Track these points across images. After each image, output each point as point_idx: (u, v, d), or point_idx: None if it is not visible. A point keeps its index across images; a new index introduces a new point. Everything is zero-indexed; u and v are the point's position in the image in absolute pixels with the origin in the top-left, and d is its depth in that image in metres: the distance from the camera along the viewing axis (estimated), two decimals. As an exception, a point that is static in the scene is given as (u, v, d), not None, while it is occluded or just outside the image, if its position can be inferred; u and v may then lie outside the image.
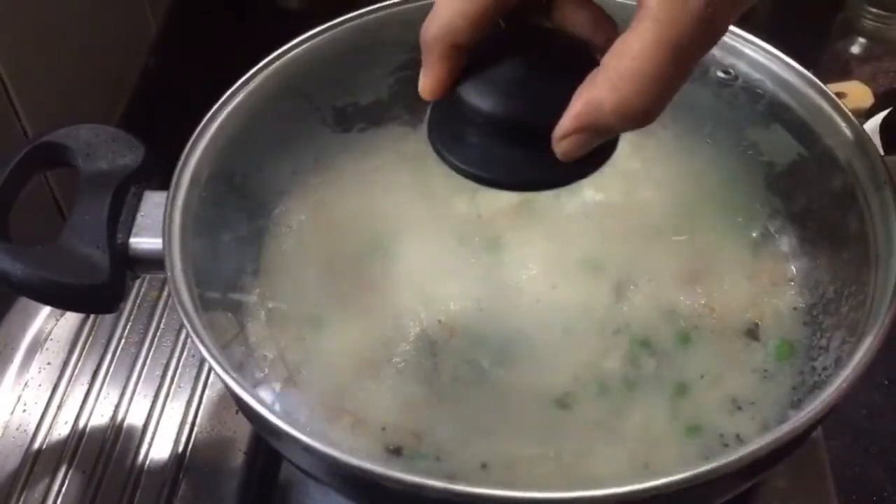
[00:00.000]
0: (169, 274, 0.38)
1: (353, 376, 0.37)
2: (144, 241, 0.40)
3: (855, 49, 0.77)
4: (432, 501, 0.34)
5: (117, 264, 0.39)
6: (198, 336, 0.36)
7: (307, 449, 0.33)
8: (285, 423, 0.33)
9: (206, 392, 0.50)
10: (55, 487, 0.47)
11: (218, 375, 0.35)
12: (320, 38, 0.47)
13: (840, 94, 0.69)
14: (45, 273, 0.38)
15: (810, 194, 0.40)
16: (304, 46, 0.46)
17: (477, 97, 0.35)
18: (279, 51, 0.46)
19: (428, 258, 0.39)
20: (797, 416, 0.33)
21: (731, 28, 0.45)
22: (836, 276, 0.38)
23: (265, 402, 0.34)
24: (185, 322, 0.36)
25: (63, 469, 0.47)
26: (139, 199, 0.41)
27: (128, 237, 0.40)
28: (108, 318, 0.53)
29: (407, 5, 0.47)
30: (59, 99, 0.75)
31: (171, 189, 0.40)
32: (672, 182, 0.40)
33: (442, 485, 0.32)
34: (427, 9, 0.48)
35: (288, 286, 0.39)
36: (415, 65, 0.45)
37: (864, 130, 0.40)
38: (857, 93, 0.70)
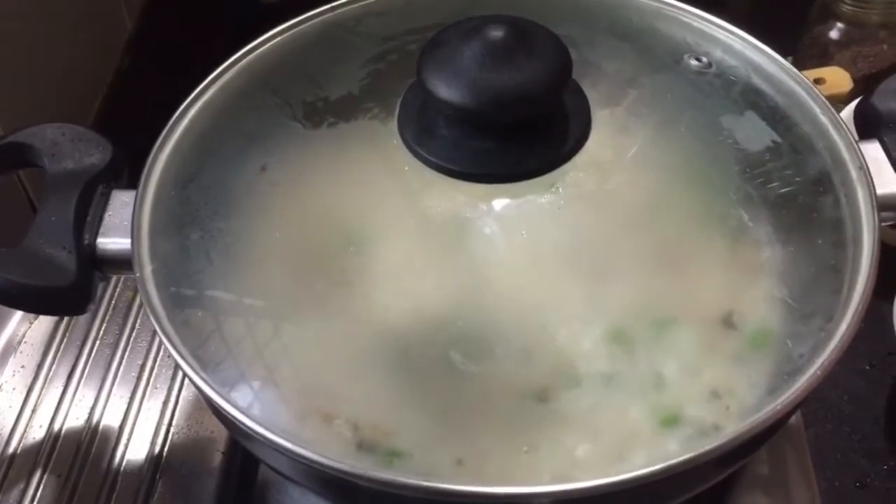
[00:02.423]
0: (137, 274, 0.37)
1: (328, 374, 0.37)
2: (112, 241, 0.40)
3: (834, 34, 0.76)
4: (408, 499, 0.34)
5: (85, 265, 0.38)
6: (167, 337, 0.35)
7: (278, 449, 0.33)
8: (255, 423, 0.33)
9: (183, 392, 0.50)
10: (30, 492, 0.46)
11: (187, 376, 0.35)
12: (292, 32, 0.46)
13: (819, 80, 0.69)
14: (9, 276, 0.37)
15: (786, 181, 0.39)
16: (275, 41, 0.46)
17: (445, 90, 0.35)
18: (249, 46, 0.45)
19: (401, 253, 0.38)
20: (773, 403, 0.33)
21: (705, 15, 0.45)
22: (811, 262, 0.37)
23: (235, 402, 0.34)
24: (154, 323, 0.36)
25: (38, 473, 0.47)
26: (107, 198, 0.41)
27: (95, 237, 0.40)
28: (83, 319, 0.53)
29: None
30: (33, 99, 0.74)
31: (140, 188, 0.40)
32: (646, 172, 0.40)
33: (416, 482, 0.32)
34: (400, 1, 0.48)
35: (261, 284, 0.39)
36: (388, 57, 0.45)
37: (838, 116, 0.40)
38: (837, 78, 0.70)
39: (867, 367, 0.61)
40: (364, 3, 0.47)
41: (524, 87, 0.35)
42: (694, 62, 0.43)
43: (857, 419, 0.59)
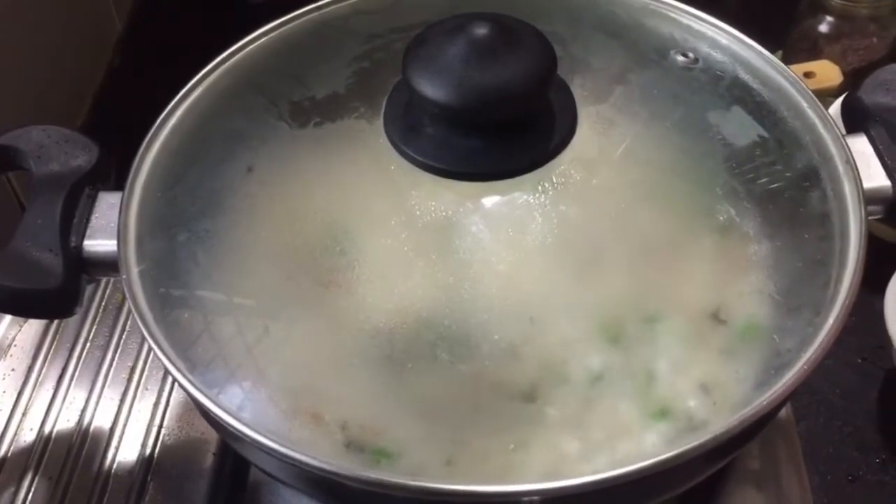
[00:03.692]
0: (124, 276, 0.37)
1: (316, 374, 0.37)
2: (99, 243, 0.39)
3: (823, 28, 0.77)
4: (397, 499, 0.33)
5: (71, 268, 0.38)
6: (153, 339, 0.35)
7: (265, 450, 0.33)
8: (242, 424, 0.33)
9: (174, 394, 0.50)
10: (21, 494, 0.46)
11: (174, 378, 0.35)
12: (280, 31, 0.46)
13: (809, 74, 0.69)
14: (-5, 279, 0.37)
15: (773, 176, 0.40)
16: (262, 40, 0.46)
17: (430, 88, 0.35)
18: (236, 45, 0.45)
19: (388, 252, 0.38)
20: (759, 398, 0.33)
21: (693, 10, 0.45)
22: (798, 256, 0.37)
23: (222, 403, 0.34)
24: (141, 325, 0.36)
25: (29, 476, 0.47)
26: (94, 200, 0.41)
27: (82, 240, 0.39)
28: (73, 321, 0.53)
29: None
30: (22, 100, 0.74)
31: (126, 189, 0.40)
32: (633, 168, 0.40)
33: (404, 482, 0.32)
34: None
35: (248, 284, 0.39)
36: (374, 56, 0.45)
37: (825, 111, 0.40)
38: (826, 71, 0.70)
39: (859, 361, 0.61)
40: (351, 1, 0.47)
41: (509, 85, 0.35)
42: (680, 58, 0.43)
43: (848, 412, 0.59)
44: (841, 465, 0.57)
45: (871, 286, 0.54)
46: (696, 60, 0.42)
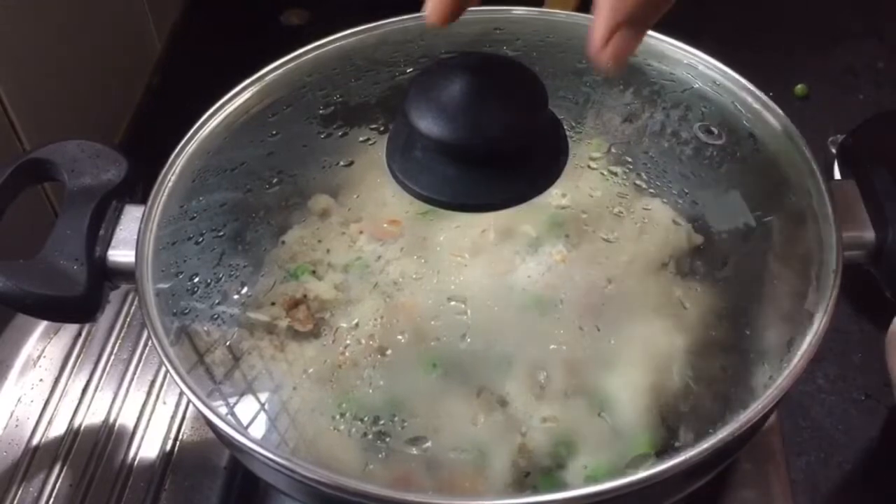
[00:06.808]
0: (139, 287, 0.39)
1: (330, 379, 0.37)
2: (122, 253, 0.41)
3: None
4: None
5: (94, 278, 0.41)
6: (162, 349, 0.37)
7: (271, 466, 0.35)
8: (246, 438, 0.35)
9: (190, 407, 0.52)
10: (45, 496, 0.49)
11: (178, 385, 0.36)
12: (311, 55, 0.47)
13: None
14: (25, 286, 0.39)
15: (758, 211, 0.40)
16: (294, 63, 0.47)
17: (426, 123, 0.36)
18: (267, 68, 0.47)
19: (403, 259, 0.39)
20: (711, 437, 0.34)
21: (692, 49, 0.46)
22: (778, 301, 0.38)
23: (231, 421, 0.36)
24: (154, 340, 0.38)
25: (53, 478, 0.49)
26: (120, 212, 0.43)
27: (106, 250, 0.42)
28: (99, 334, 0.55)
29: (404, 24, 0.48)
30: (62, 119, 0.76)
31: (148, 203, 0.42)
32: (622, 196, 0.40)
33: (413, 498, 0.34)
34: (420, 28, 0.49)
35: (260, 292, 0.40)
36: (395, 82, 0.46)
37: (809, 153, 0.40)
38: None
39: (863, 398, 0.61)
40: (379, 32, 0.48)
41: (505, 120, 0.36)
42: (703, 134, 0.42)
43: (849, 449, 0.59)
44: (840, 503, 0.57)
45: (879, 324, 0.55)
46: (719, 136, 0.42)
